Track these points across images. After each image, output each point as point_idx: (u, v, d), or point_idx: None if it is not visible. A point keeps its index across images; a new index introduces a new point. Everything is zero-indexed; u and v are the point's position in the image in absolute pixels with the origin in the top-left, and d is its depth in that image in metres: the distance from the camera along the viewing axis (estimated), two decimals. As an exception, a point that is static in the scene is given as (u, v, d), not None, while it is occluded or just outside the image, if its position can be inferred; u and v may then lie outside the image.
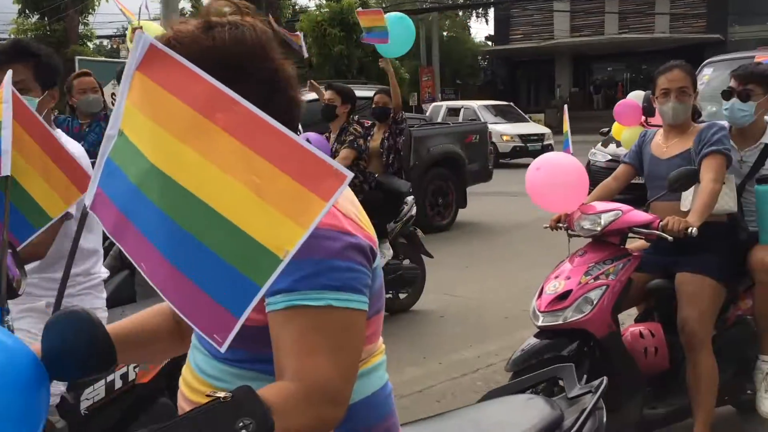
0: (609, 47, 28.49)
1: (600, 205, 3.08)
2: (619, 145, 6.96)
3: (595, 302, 2.86)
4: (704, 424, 2.96)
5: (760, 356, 3.22)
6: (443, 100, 28.21)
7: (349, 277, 1.11)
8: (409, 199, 5.61)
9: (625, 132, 5.43)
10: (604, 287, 2.89)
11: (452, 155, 9.36)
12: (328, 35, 17.14)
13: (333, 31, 17.26)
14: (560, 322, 2.87)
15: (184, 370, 1.32)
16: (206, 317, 0.98)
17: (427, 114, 21.10)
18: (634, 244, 3.33)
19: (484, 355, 4.54)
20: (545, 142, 17.40)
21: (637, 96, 5.67)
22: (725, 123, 3.35)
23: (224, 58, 1.15)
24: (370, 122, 5.70)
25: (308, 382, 1.05)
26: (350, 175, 0.93)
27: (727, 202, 3.11)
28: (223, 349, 0.96)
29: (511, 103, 20.28)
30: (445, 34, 32.31)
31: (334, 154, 5.13)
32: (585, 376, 2.78)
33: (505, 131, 17.24)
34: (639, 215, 3.00)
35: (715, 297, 3.05)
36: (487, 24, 40.24)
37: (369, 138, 5.59)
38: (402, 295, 5.64)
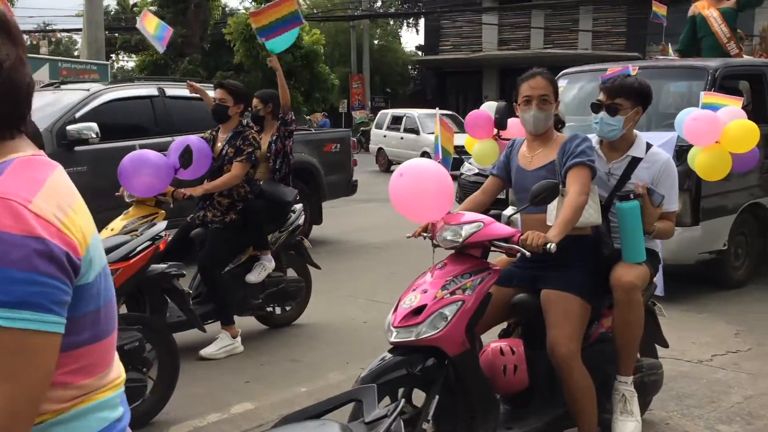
0: (535, 61, 28.97)
1: (464, 216, 2.98)
2: None
3: (449, 318, 2.73)
4: None
5: (617, 377, 3.22)
6: (373, 107, 28.28)
7: (28, 291, 0.93)
8: (297, 207, 5.41)
9: (476, 145, 5.14)
10: (459, 302, 2.77)
11: (306, 166, 8.37)
12: (256, 39, 16.90)
13: (262, 35, 17.05)
14: (413, 338, 2.73)
15: None
16: None
17: (375, 120, 21.04)
18: (500, 258, 3.29)
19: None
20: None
21: (489, 107, 5.34)
22: (594, 136, 3.36)
23: None
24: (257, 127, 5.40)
25: None
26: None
27: (591, 214, 3.06)
28: None
29: (455, 113, 20.27)
30: (376, 42, 32.41)
31: (224, 158, 4.88)
32: (436, 397, 2.71)
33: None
34: (500, 228, 2.92)
35: (581, 315, 3.00)
36: (417, 34, 40.65)
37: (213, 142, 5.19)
38: (287, 308, 5.45)
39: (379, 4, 36.72)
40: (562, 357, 2.91)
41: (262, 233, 5.07)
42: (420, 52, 36.15)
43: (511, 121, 6.05)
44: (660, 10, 8.74)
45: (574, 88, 6.91)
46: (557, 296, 2.99)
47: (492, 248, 2.96)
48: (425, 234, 3.07)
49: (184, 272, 4.51)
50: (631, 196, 3.15)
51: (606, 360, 3.21)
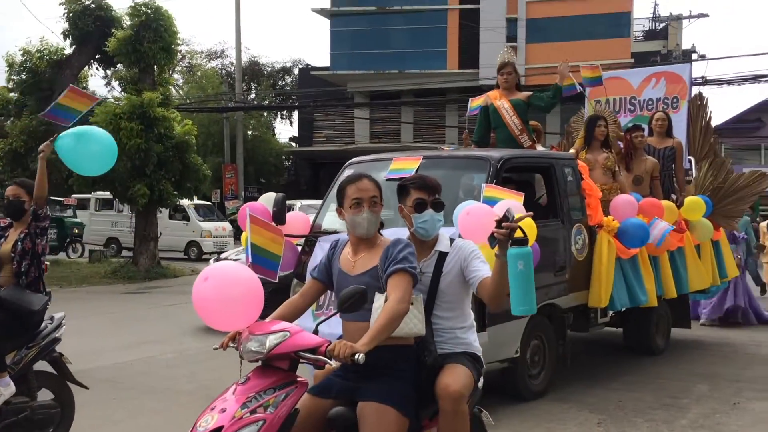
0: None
1: (272, 325, 2.78)
2: None
3: None
4: None
5: None
6: (246, 197, 28.06)
7: None
8: (57, 316, 4.78)
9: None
10: (260, 422, 2.56)
11: None
12: (123, 129, 16.49)
13: (130, 125, 16.66)
14: None
15: None
16: None
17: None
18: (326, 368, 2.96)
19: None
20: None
21: (267, 199, 5.07)
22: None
23: None
24: (7, 221, 4.88)
25: None
26: None
27: (416, 324, 2.94)
28: None
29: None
30: (249, 132, 32.53)
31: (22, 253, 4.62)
32: None
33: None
34: (308, 338, 2.72)
35: (397, 429, 2.83)
36: (291, 126, 41.23)
37: (2, 240, 4.76)
38: None
39: (252, 96, 37.12)
40: None
41: None
42: (294, 143, 36.60)
43: (290, 215, 5.82)
44: (589, 73, 8.28)
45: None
46: (373, 409, 2.82)
47: (300, 360, 2.74)
48: (233, 344, 2.84)
49: None
50: (494, 236, 2.95)
51: None
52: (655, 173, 7.61)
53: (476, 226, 4.24)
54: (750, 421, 5.51)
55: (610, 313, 6.91)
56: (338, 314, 2.89)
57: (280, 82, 38.58)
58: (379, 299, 2.91)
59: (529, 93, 7.09)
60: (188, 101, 30.82)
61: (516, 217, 2.98)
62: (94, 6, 18.68)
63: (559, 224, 6.14)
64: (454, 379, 3.00)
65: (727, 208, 8.31)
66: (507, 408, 5.66)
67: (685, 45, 33.76)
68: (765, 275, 12.52)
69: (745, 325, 9.68)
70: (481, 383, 3.30)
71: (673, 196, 7.74)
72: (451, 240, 3.30)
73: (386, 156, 6.26)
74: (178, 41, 19.15)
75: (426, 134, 31.10)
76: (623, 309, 6.99)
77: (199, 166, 18.61)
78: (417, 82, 29.57)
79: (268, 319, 2.93)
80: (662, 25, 35.32)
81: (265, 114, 35.99)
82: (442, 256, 3.22)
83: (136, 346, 8.65)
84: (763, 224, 11.97)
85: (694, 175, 8.50)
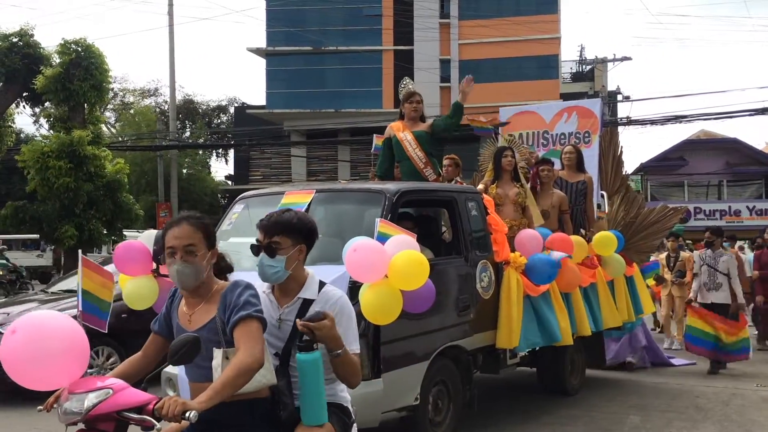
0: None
1: (96, 381, 2.44)
2: None
3: None
4: None
5: None
6: (181, 237, 27.50)
7: None
8: None
9: (129, 284, 4.34)
10: None
11: None
12: (51, 167, 16.04)
13: (58, 164, 16.23)
14: None
15: None
16: None
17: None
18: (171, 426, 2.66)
19: None
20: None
21: (147, 237, 4.60)
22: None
23: None
24: None
25: None
26: None
27: (264, 375, 2.64)
28: None
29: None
30: (184, 171, 32.09)
31: None
32: None
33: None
34: (134, 395, 2.41)
35: None
36: (227, 164, 40.85)
37: None
38: None
39: (187, 134, 36.72)
40: None
41: None
42: (229, 182, 36.24)
43: None
44: (481, 124, 7.96)
45: (254, 214, 5.69)
46: None
47: (124, 420, 2.40)
48: (56, 406, 2.46)
49: None
50: (305, 337, 2.68)
51: None
52: (563, 207, 7.42)
53: (364, 264, 3.96)
54: (681, 451, 5.63)
55: (521, 353, 6.51)
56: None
57: (215, 121, 38.32)
58: (218, 356, 2.62)
59: (431, 122, 6.78)
60: (121, 139, 30.27)
61: (320, 318, 2.68)
62: (21, 43, 18.29)
63: (462, 261, 5.79)
64: None
65: (639, 243, 8.26)
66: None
67: (611, 87, 35.18)
68: (662, 310, 11.53)
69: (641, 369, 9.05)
70: None
71: (582, 231, 7.63)
72: (322, 285, 2.99)
73: (279, 190, 5.89)
74: (110, 79, 18.90)
75: (363, 172, 31.27)
76: (536, 348, 6.64)
77: (132, 205, 18.25)
78: (353, 121, 29.83)
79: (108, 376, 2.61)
80: (588, 67, 36.77)
81: (201, 152, 35.65)
82: (306, 303, 2.90)
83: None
84: (688, 254, 11.19)
85: (606, 210, 8.42)
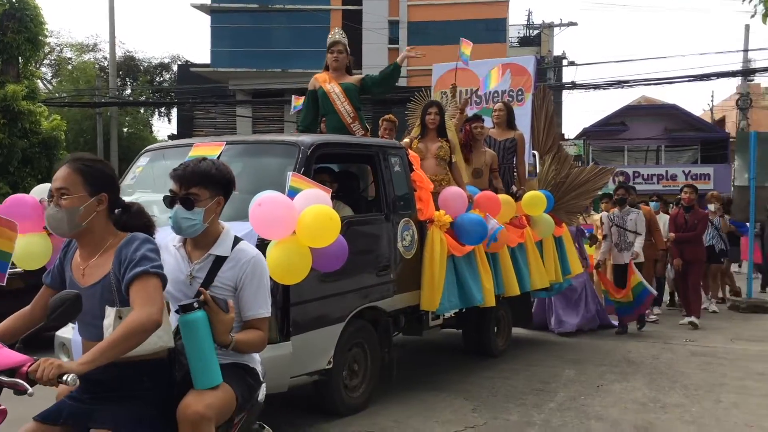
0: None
1: None
2: None
3: None
4: None
5: None
6: (122, 197, 26.86)
7: None
8: None
9: (20, 241, 3.78)
10: None
11: None
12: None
13: (-9, 119, 15.64)
14: None
15: None
16: None
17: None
18: (61, 388, 2.54)
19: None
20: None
21: (40, 191, 4.27)
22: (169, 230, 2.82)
23: None
24: None
25: None
26: None
27: (161, 336, 2.47)
28: None
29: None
30: (125, 129, 31.22)
31: None
32: None
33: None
34: (6, 356, 2.23)
35: None
36: (170, 123, 39.95)
37: None
38: None
39: (129, 91, 35.67)
40: None
41: None
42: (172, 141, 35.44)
43: None
44: (465, 49, 7.76)
45: (158, 167, 5.48)
46: None
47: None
48: None
49: None
50: (195, 304, 2.58)
51: None
52: (494, 165, 7.30)
53: (269, 219, 3.74)
54: (611, 401, 5.89)
55: (444, 315, 6.40)
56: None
57: (157, 78, 37.30)
58: (110, 315, 2.45)
59: (361, 76, 6.51)
60: (58, 95, 29.24)
61: (224, 308, 2.63)
62: (-51, -8, 17.37)
63: (381, 218, 5.53)
64: (198, 397, 2.53)
65: (569, 203, 8.22)
66: (383, 395, 5.73)
67: (557, 51, 35.49)
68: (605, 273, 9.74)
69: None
70: (261, 396, 2.97)
71: (514, 188, 7.51)
72: (237, 241, 2.85)
73: (186, 142, 5.62)
74: (46, 32, 18.23)
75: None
76: (457, 311, 6.54)
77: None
78: (300, 81, 29.42)
79: None
80: (536, 32, 36.98)
81: (142, 110, 34.71)
82: (219, 261, 2.77)
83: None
84: (597, 216, 10.29)
85: (538, 170, 8.32)
